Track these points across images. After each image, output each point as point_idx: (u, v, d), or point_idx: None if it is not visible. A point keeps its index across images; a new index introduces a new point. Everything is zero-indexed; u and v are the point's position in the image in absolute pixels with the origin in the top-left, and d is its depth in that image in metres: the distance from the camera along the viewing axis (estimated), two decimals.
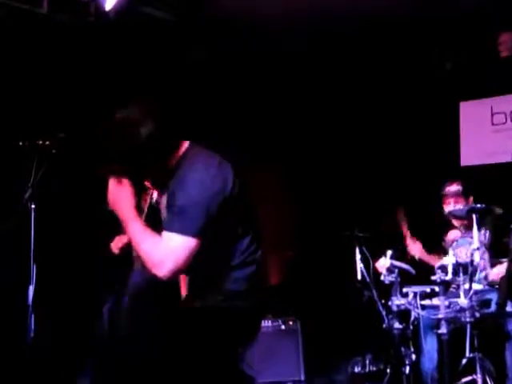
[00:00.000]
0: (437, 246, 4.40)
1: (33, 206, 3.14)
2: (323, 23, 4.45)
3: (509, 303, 3.79)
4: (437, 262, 4.24)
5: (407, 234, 4.39)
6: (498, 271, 3.81)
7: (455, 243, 4.35)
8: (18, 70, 3.76)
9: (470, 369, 4.01)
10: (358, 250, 4.28)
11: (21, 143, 3.13)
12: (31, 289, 3.14)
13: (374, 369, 4.37)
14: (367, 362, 4.39)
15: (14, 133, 3.51)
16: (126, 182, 2.08)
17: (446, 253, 4.06)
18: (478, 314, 3.71)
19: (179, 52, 4.54)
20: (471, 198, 4.22)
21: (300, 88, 5.23)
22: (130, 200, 2.06)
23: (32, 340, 3.13)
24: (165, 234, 1.97)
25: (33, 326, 3.12)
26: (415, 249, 4.42)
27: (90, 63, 4.03)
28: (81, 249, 3.92)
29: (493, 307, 3.79)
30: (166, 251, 1.94)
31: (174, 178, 2.01)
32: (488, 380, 3.93)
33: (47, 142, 3.11)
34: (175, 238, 1.93)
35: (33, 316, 3.12)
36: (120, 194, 2.07)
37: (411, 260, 4.33)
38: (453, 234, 4.46)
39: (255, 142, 4.91)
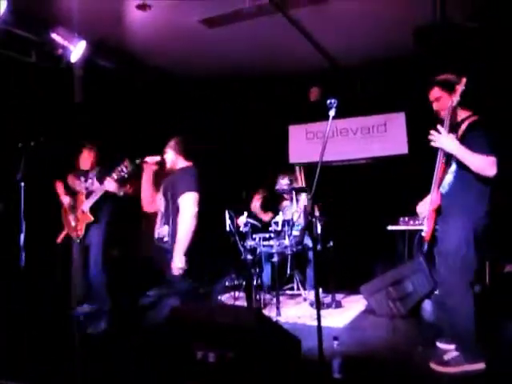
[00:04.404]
0: (275, 209, 5.67)
1: (22, 184, 3.99)
2: None
3: (308, 239, 5.09)
4: (267, 218, 5.51)
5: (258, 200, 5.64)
6: None
7: (285, 208, 5.62)
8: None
9: (289, 279, 5.41)
10: (227, 213, 5.19)
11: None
12: (22, 236, 3.95)
13: (237, 282, 5.34)
14: (233, 278, 5.37)
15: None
16: None
17: (278, 214, 5.30)
18: (294, 249, 4.94)
19: None
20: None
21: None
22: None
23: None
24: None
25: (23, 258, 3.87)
26: (255, 206, 5.62)
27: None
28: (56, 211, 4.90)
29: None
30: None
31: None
32: (300, 286, 5.31)
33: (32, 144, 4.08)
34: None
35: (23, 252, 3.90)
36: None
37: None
38: (284, 203, 5.77)
39: None
